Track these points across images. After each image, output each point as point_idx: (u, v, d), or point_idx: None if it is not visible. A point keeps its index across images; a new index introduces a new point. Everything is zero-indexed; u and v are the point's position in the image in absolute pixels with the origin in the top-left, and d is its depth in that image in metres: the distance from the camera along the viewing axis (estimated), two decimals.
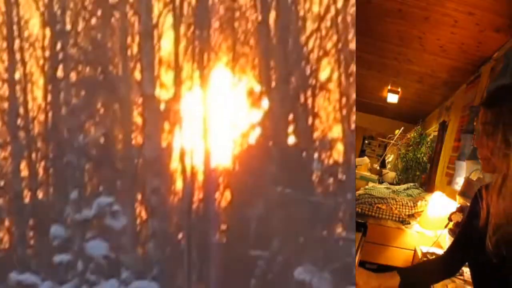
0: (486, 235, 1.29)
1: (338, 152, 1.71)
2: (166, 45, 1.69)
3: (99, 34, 1.65)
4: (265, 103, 1.70)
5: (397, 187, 5.51)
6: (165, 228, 1.76)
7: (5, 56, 1.69)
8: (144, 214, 1.71)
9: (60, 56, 1.67)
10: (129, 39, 1.68)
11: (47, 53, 1.66)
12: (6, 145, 1.67)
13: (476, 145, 1.42)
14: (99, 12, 1.66)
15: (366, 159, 7.13)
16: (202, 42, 1.67)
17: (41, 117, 1.67)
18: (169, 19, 1.68)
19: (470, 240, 1.42)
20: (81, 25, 1.66)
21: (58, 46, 1.68)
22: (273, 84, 1.67)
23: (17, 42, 1.66)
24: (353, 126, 1.71)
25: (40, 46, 1.68)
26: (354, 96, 1.70)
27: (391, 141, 7.73)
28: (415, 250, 3.54)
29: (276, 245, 1.74)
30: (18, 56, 1.69)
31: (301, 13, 1.68)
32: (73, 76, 1.66)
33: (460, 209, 3.20)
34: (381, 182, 6.58)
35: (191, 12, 1.68)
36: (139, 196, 1.70)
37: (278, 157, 1.70)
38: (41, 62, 1.68)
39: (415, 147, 6.52)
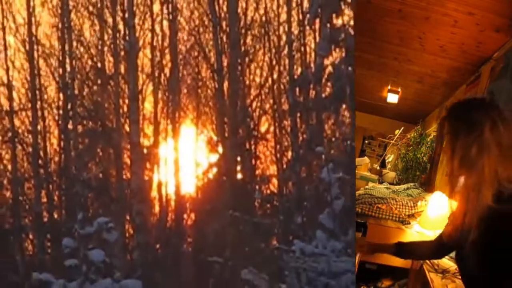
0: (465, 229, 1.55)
1: (274, 184, 2.30)
2: (147, 106, 2.28)
3: (99, 98, 2.24)
4: (220, 149, 2.30)
5: (397, 187, 5.50)
6: (147, 240, 2.35)
7: (30, 113, 2.29)
8: (131, 230, 2.29)
9: (70, 113, 2.27)
10: (121, 101, 2.27)
11: (61, 111, 2.26)
12: (30, 179, 2.27)
13: (443, 153, 1.77)
14: (99, 81, 2.25)
15: (366, 159, 7.15)
16: (174, 104, 2.26)
17: (56, 158, 2.26)
18: (150, 87, 2.28)
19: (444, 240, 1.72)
20: (86, 91, 2.25)
21: (69, 106, 2.27)
22: (226, 135, 2.27)
23: (38, 103, 2.26)
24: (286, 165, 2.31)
25: (55, 106, 2.27)
26: (287, 144, 2.29)
27: (391, 141, 7.74)
28: None
29: (228, 254, 2.33)
30: (39, 113, 2.29)
31: (247, 82, 2.27)
32: (79, 128, 2.26)
33: None
34: (381, 182, 6.59)
35: (166, 82, 2.27)
36: (127, 217, 2.29)
37: (230, 188, 2.29)
38: (56, 118, 2.27)
39: (415, 147, 6.53)
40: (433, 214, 3.50)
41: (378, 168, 7.54)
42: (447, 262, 2.69)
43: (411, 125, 7.58)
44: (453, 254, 1.90)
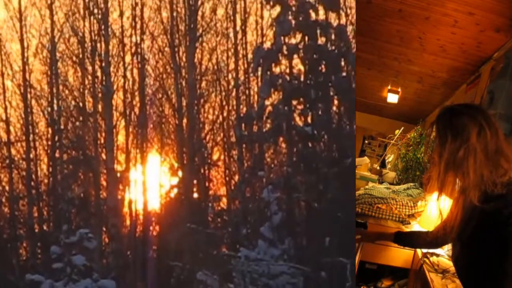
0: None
1: (223, 202, 2.80)
2: (120, 138, 2.77)
3: (80, 131, 2.73)
4: (180, 173, 2.80)
5: (397, 187, 5.43)
6: (120, 248, 2.85)
7: (24, 144, 2.78)
8: (107, 239, 2.78)
9: (57, 144, 2.76)
10: (98, 134, 2.76)
11: (49, 142, 2.75)
12: (24, 197, 2.76)
13: (431, 157, 1.71)
14: (80, 118, 2.75)
15: (366, 159, 7.04)
16: (142, 137, 2.75)
17: (45, 181, 2.76)
18: (122, 123, 2.77)
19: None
20: (70, 126, 2.74)
21: (56, 138, 2.76)
22: (185, 162, 2.77)
23: (31, 136, 2.75)
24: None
25: (45, 138, 2.76)
26: (235, 169, 2.81)
27: (391, 141, 7.70)
28: (415, 250, 3.49)
29: (186, 258, 2.83)
30: (32, 144, 2.78)
31: (202, 119, 2.77)
32: (65, 156, 2.74)
33: None
34: (381, 182, 6.53)
35: (136, 119, 2.77)
36: (104, 228, 2.78)
37: (187, 205, 2.79)
38: (46, 148, 2.76)
39: (415, 147, 6.46)
40: (433, 214, 3.47)
41: (378, 168, 7.51)
42: (447, 262, 2.73)
43: (411, 125, 7.48)
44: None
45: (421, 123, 7.11)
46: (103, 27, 2.65)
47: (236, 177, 2.69)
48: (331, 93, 2.70)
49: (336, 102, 2.69)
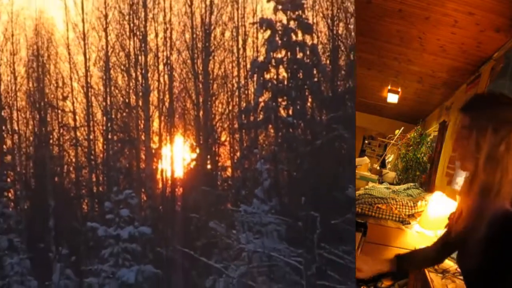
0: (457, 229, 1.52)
1: (229, 172, 3.86)
2: (155, 125, 3.80)
3: (126, 120, 3.79)
4: (197, 150, 3.85)
5: (397, 187, 5.42)
6: (154, 204, 3.92)
7: (86, 129, 3.84)
8: (145, 198, 3.84)
9: (110, 129, 3.83)
10: (139, 122, 3.82)
11: (104, 127, 3.83)
12: (86, 167, 3.81)
13: (453, 147, 1.52)
14: (127, 110, 3.81)
15: (366, 159, 7.08)
16: (170, 124, 3.81)
17: (101, 155, 3.84)
18: (156, 114, 3.83)
19: (450, 236, 1.66)
20: (119, 115, 3.81)
21: (109, 124, 3.84)
22: (201, 142, 3.82)
23: (91, 123, 3.80)
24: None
25: (101, 124, 3.83)
26: (237, 147, 3.86)
27: (391, 141, 7.73)
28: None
29: (202, 212, 3.91)
30: (91, 129, 3.84)
31: (213, 111, 3.85)
32: (115, 137, 3.83)
33: None
34: (381, 182, 6.49)
35: (166, 111, 3.83)
36: (142, 190, 3.84)
37: (202, 174, 3.84)
38: (101, 131, 3.83)
39: (415, 147, 6.41)
40: (433, 214, 3.45)
41: (378, 168, 7.59)
42: (447, 262, 2.69)
43: (411, 125, 7.47)
44: (453, 254, 1.91)
45: (421, 123, 7.20)
46: (143, 45, 3.70)
47: (238, 154, 3.73)
48: (306, 93, 3.76)
49: (310, 99, 3.75)
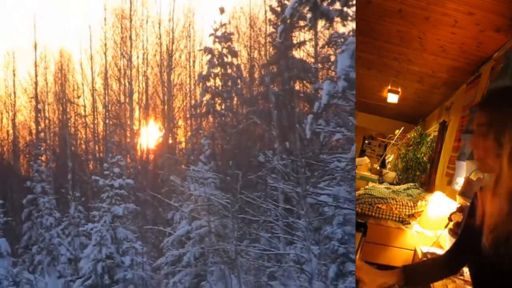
0: (482, 235, 1.31)
1: (183, 144, 5.99)
2: (136, 114, 5.94)
3: (118, 110, 5.89)
4: (163, 131, 5.99)
5: (397, 187, 5.31)
6: (135, 164, 6.04)
7: (92, 117, 5.94)
8: (129, 160, 5.95)
9: (107, 115, 5.94)
10: (126, 112, 5.92)
11: (103, 115, 5.92)
12: (91, 141, 5.92)
13: (471, 146, 1.41)
14: (118, 105, 5.92)
15: (366, 159, 7.01)
16: (146, 113, 5.92)
17: (102, 133, 5.92)
18: (137, 107, 5.94)
19: (469, 242, 1.43)
20: (113, 108, 5.90)
21: (107, 114, 5.94)
22: (165, 125, 5.94)
23: (95, 113, 5.88)
24: None
25: (102, 113, 5.91)
26: (189, 129, 5.96)
27: (391, 141, 7.54)
28: (415, 250, 3.36)
29: (165, 170, 6.04)
30: (96, 117, 5.93)
31: (174, 106, 5.94)
32: (110, 122, 5.93)
33: (460, 209, 3.09)
34: (381, 182, 6.38)
35: (143, 105, 5.92)
36: (128, 156, 5.95)
37: (166, 146, 5.96)
38: (102, 118, 5.93)
39: (415, 147, 6.28)
40: (433, 214, 3.36)
41: (378, 168, 7.38)
42: None
43: (411, 125, 7.30)
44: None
45: (421, 123, 6.98)
46: (129, 63, 5.77)
47: (189, 133, 5.81)
48: (233, 95, 5.90)
49: (235, 99, 5.89)
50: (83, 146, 5.91)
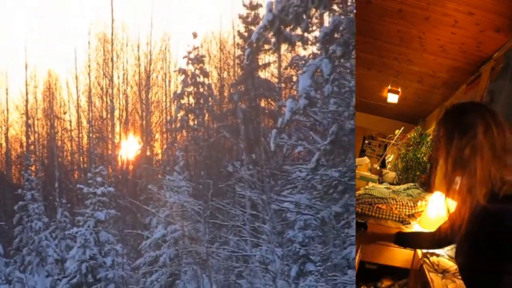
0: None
1: (159, 156, 6.62)
2: (117, 128, 6.56)
3: (101, 125, 6.51)
4: (141, 144, 6.60)
5: (397, 187, 5.32)
6: (116, 174, 6.66)
7: (77, 131, 6.55)
8: (111, 170, 6.56)
9: (92, 130, 6.55)
10: (108, 127, 6.53)
11: (88, 130, 6.53)
12: (76, 153, 6.54)
13: (436, 155, 1.65)
14: (100, 120, 6.52)
15: (366, 159, 7.02)
16: (126, 127, 6.53)
17: (86, 146, 6.54)
18: (118, 122, 6.56)
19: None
20: (97, 124, 6.53)
21: (91, 129, 6.55)
22: (144, 138, 6.55)
23: (80, 127, 6.49)
24: None
25: (86, 127, 6.52)
26: (165, 142, 6.57)
27: (391, 141, 7.52)
28: (415, 250, 3.38)
29: (144, 179, 6.66)
30: (81, 131, 6.55)
31: (151, 121, 6.56)
32: (94, 136, 6.55)
33: None
34: (381, 182, 6.39)
35: (124, 120, 6.52)
36: (109, 166, 6.56)
37: (144, 157, 6.57)
38: (87, 132, 6.55)
39: (415, 147, 6.28)
40: (433, 214, 3.43)
41: (378, 168, 7.36)
42: (447, 262, 2.71)
43: (411, 125, 7.28)
44: (452, 254, 2.05)
45: (421, 123, 6.99)
46: (110, 83, 6.37)
47: (165, 146, 6.42)
48: (204, 111, 6.52)
49: (207, 115, 6.51)
50: (69, 158, 6.53)
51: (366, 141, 10.72)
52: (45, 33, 6.18)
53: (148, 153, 6.39)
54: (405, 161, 6.37)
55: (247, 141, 6.41)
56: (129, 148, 6.42)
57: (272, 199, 6.06)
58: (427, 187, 5.11)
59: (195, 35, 6.29)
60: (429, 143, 6.01)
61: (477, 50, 3.91)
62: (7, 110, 6.32)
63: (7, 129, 6.37)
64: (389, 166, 7.80)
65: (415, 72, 5.20)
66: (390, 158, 8.01)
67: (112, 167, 6.31)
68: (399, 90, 6.00)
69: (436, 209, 3.41)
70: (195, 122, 6.29)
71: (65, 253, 6.33)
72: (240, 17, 6.28)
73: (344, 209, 5.91)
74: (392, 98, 6.16)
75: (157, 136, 6.39)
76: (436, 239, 1.93)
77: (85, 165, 6.38)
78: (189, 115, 6.35)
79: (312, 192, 5.66)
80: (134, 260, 6.28)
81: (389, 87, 6.07)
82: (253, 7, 6.42)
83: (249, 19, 6.32)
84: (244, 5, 6.37)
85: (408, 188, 4.99)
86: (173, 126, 6.37)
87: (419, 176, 5.96)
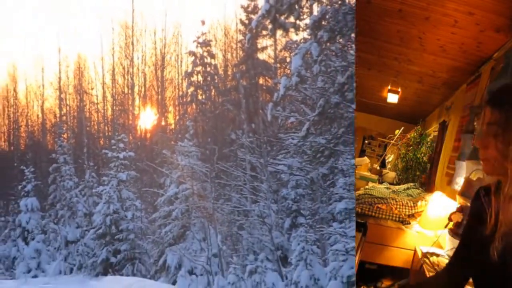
0: (489, 243, 1.15)
1: (171, 124, 7.70)
2: (136, 101, 7.65)
3: (121, 105, 7.60)
4: (157, 115, 7.69)
5: (397, 187, 5.22)
6: (136, 141, 7.76)
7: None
8: (131, 137, 7.65)
9: (114, 108, 7.66)
10: (130, 107, 7.61)
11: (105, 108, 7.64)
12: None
13: (478, 146, 1.26)
14: (122, 96, 7.62)
15: (366, 159, 7.10)
16: (144, 102, 7.62)
17: (96, 128, 7.64)
18: (137, 98, 7.64)
19: (471, 250, 1.28)
20: (117, 109, 7.62)
21: (111, 112, 7.65)
22: (160, 111, 7.64)
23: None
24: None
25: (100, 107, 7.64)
26: (178, 114, 7.66)
27: (391, 141, 7.53)
28: (415, 250, 3.32)
29: (159, 145, 7.77)
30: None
31: (165, 96, 7.63)
32: (114, 117, 7.64)
33: (460, 209, 3.08)
34: (381, 182, 6.35)
35: (142, 97, 7.61)
36: (130, 134, 7.67)
37: (160, 127, 7.67)
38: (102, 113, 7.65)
39: (415, 147, 6.21)
40: (433, 214, 3.32)
41: (378, 168, 7.34)
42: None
43: (411, 125, 7.23)
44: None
45: (421, 123, 6.90)
46: (131, 63, 7.45)
47: (177, 117, 7.50)
48: (211, 87, 7.61)
49: (213, 91, 7.61)
50: (96, 127, 7.62)
51: (366, 141, 10.49)
52: (74, 21, 7.30)
53: (163, 123, 7.45)
54: (405, 161, 6.31)
55: (247, 113, 7.32)
56: (146, 118, 7.48)
57: (269, 162, 6.95)
58: (427, 187, 5.05)
59: (203, 23, 7.29)
60: (429, 143, 5.91)
61: (477, 50, 3.86)
62: (43, 86, 7.43)
63: (43, 102, 7.48)
64: (389, 166, 7.66)
65: (415, 72, 5.12)
66: (390, 158, 7.91)
67: (132, 135, 7.37)
68: (399, 90, 5.90)
69: (436, 209, 3.35)
70: (203, 97, 7.31)
71: (92, 208, 7.38)
72: (242, 7, 7.24)
73: (330, 170, 6.87)
74: (392, 98, 6.06)
75: (171, 108, 7.44)
76: (457, 269, 1.43)
77: (109, 133, 7.45)
78: (198, 91, 7.38)
79: (302, 156, 6.61)
80: (151, 214, 7.23)
81: (389, 87, 5.99)
82: None
83: (249, 9, 7.34)
84: None
85: (408, 188, 4.92)
86: (184, 100, 7.42)
87: (419, 176, 5.87)
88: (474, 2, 3.07)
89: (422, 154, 6.00)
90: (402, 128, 7.22)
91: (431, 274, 2.52)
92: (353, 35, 6.84)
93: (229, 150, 7.20)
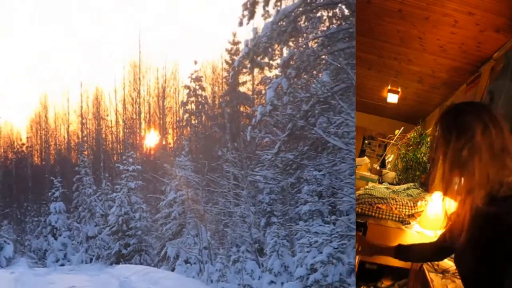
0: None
1: (171, 144, 9.58)
2: (143, 124, 9.51)
3: (132, 125, 9.46)
4: (158, 136, 9.55)
5: (397, 187, 5.17)
6: (142, 157, 9.65)
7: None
8: (138, 154, 9.54)
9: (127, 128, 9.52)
10: (137, 128, 9.47)
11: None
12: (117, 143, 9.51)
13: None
14: (131, 121, 9.49)
15: (366, 159, 7.11)
16: (149, 126, 9.48)
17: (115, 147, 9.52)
18: (143, 122, 9.51)
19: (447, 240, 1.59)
20: (129, 130, 9.48)
21: (124, 129, 9.53)
22: (161, 133, 9.50)
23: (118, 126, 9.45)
24: None
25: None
26: (175, 134, 9.52)
27: (391, 141, 7.57)
28: None
29: (161, 159, 9.67)
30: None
31: (166, 120, 9.47)
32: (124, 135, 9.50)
33: None
34: (381, 182, 6.30)
35: (148, 121, 9.48)
36: (134, 149, 9.54)
37: (161, 146, 9.55)
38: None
39: (415, 147, 6.19)
40: (433, 214, 3.32)
41: (378, 168, 7.34)
42: (447, 262, 2.60)
43: (411, 125, 7.25)
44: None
45: (421, 123, 6.95)
46: (138, 94, 9.28)
47: (175, 138, 9.31)
48: (202, 115, 9.52)
49: (204, 118, 9.50)
50: (110, 145, 9.45)
51: (366, 141, 10.49)
52: (92, 60, 9.20)
53: (164, 142, 9.29)
54: (405, 161, 6.24)
55: (231, 134, 8.55)
56: (151, 139, 9.31)
57: (248, 173, 8.15)
58: (427, 187, 5.04)
59: (195, 62, 8.91)
60: (429, 143, 5.86)
61: (477, 50, 3.83)
62: (68, 113, 9.34)
63: (68, 126, 9.39)
64: (389, 166, 7.62)
65: (415, 72, 5.08)
66: (390, 158, 7.88)
67: (139, 152, 9.15)
68: (399, 90, 5.87)
69: (436, 209, 3.33)
70: (196, 121, 9.07)
71: (107, 210, 9.07)
72: (226, 50, 8.93)
73: (297, 180, 8.40)
74: (392, 98, 6.02)
75: (170, 131, 9.25)
76: (439, 248, 1.80)
77: (121, 151, 9.28)
78: (192, 117, 9.19)
79: (275, 169, 7.90)
80: (154, 215, 8.67)
81: (389, 87, 5.95)
82: (235, 43, 9.28)
83: (232, 51, 9.09)
84: (229, 42, 9.29)
85: (408, 188, 4.90)
86: (181, 124, 9.22)
87: (419, 176, 5.78)
88: (474, 2, 3.03)
89: (422, 154, 5.90)
90: (402, 128, 7.11)
91: (431, 274, 2.57)
92: (314, 72, 8.61)
93: (216, 164, 8.57)
